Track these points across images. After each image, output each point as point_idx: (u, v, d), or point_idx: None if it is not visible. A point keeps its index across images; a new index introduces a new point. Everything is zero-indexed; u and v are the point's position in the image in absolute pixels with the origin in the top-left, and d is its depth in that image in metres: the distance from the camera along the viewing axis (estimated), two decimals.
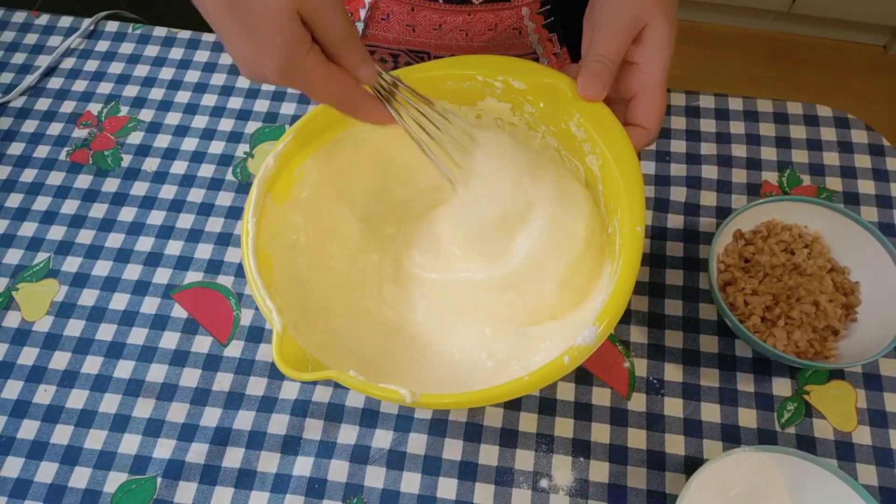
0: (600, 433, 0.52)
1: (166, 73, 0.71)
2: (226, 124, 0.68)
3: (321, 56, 0.39)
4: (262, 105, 0.69)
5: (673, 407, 0.53)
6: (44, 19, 0.75)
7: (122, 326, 0.58)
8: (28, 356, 0.56)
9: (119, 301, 0.59)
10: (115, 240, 0.62)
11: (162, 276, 0.60)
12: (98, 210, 0.63)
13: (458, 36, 0.60)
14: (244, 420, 0.53)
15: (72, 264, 0.61)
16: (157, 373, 0.56)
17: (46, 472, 0.52)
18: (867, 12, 1.61)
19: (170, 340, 0.57)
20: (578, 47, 0.62)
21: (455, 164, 0.49)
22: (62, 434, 0.53)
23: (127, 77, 0.71)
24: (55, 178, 0.65)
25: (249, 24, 0.36)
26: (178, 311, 0.58)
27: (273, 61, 0.37)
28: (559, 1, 0.58)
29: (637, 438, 0.52)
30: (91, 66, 0.72)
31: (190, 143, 0.67)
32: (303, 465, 0.52)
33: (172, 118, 0.69)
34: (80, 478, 0.52)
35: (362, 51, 0.41)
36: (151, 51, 0.73)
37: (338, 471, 0.51)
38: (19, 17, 0.76)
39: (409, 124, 0.46)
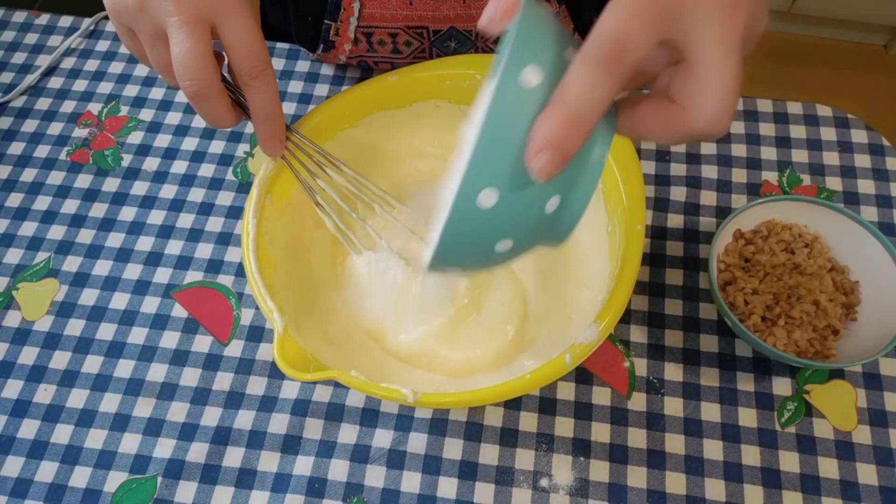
0: (600, 432, 0.52)
1: None
2: None
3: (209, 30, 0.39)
4: None
5: (673, 406, 0.53)
6: (44, 19, 0.75)
7: (123, 326, 0.58)
8: (28, 356, 0.56)
9: (119, 301, 0.59)
10: (115, 239, 0.62)
11: (162, 275, 0.60)
12: (98, 210, 0.63)
13: (455, 5, 0.59)
14: (244, 419, 0.53)
15: (72, 264, 0.61)
16: (157, 372, 0.56)
17: (46, 471, 0.52)
18: (867, 12, 1.61)
19: (170, 340, 0.57)
20: (578, 6, 0.61)
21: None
22: (62, 434, 0.53)
23: (127, 77, 0.71)
24: (55, 177, 0.65)
25: None
26: (179, 311, 0.58)
27: None
28: None
29: (637, 438, 0.52)
30: (91, 65, 0.72)
31: (190, 143, 0.67)
32: (303, 465, 0.52)
33: (172, 118, 0.69)
34: (81, 477, 0.52)
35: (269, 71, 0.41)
36: None
37: (338, 470, 0.51)
38: (19, 17, 0.76)
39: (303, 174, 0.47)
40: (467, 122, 0.34)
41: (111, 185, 0.65)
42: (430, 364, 0.50)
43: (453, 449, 0.52)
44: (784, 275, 0.54)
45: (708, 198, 0.62)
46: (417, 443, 0.52)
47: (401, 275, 0.50)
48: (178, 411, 0.54)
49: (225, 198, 0.64)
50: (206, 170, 0.65)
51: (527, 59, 0.27)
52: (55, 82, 0.71)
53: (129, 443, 0.53)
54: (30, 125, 0.68)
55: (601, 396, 0.54)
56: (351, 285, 0.53)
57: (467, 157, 0.27)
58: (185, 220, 0.63)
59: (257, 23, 0.41)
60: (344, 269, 0.54)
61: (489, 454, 0.52)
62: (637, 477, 0.51)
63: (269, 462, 0.52)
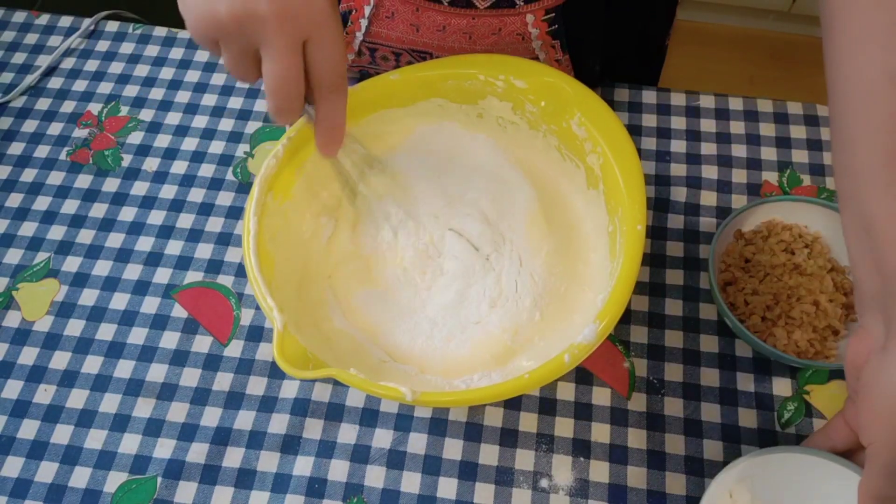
0: (600, 433, 0.52)
1: (166, 73, 0.71)
2: (226, 124, 0.68)
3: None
4: (262, 105, 0.69)
5: (673, 407, 0.53)
6: (44, 19, 0.75)
7: (122, 326, 0.58)
8: (28, 356, 0.56)
9: (119, 301, 0.59)
10: (115, 239, 0.62)
11: (162, 275, 0.60)
12: (98, 210, 0.63)
13: (461, 39, 0.59)
14: (244, 420, 0.53)
15: (72, 264, 0.61)
16: (157, 372, 0.56)
17: (46, 471, 0.52)
18: None
19: (170, 340, 0.57)
20: (581, 55, 0.62)
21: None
22: (62, 434, 0.53)
23: (127, 77, 0.71)
24: (55, 177, 0.65)
25: None
26: (178, 311, 0.58)
27: None
28: (564, 8, 0.57)
29: (637, 438, 0.52)
30: (91, 65, 0.72)
31: (190, 143, 0.67)
32: (303, 465, 0.52)
33: (173, 118, 0.69)
34: (80, 477, 0.52)
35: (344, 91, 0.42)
36: (151, 50, 0.73)
37: (338, 470, 0.51)
38: (19, 17, 0.76)
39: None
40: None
41: (111, 185, 0.65)
42: (429, 363, 0.50)
43: (453, 449, 0.52)
44: (784, 275, 0.54)
45: (708, 198, 0.62)
46: (417, 443, 0.52)
47: (400, 273, 0.50)
48: (177, 411, 0.54)
49: (225, 198, 0.64)
50: (206, 170, 0.65)
51: None
52: (55, 82, 0.71)
53: (129, 443, 0.53)
54: (30, 125, 0.68)
55: (601, 397, 0.54)
56: (350, 284, 0.53)
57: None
58: (185, 221, 0.63)
59: (344, 39, 0.42)
60: (342, 269, 0.54)
61: (489, 454, 0.52)
62: (637, 477, 0.51)
63: (268, 462, 0.52)
